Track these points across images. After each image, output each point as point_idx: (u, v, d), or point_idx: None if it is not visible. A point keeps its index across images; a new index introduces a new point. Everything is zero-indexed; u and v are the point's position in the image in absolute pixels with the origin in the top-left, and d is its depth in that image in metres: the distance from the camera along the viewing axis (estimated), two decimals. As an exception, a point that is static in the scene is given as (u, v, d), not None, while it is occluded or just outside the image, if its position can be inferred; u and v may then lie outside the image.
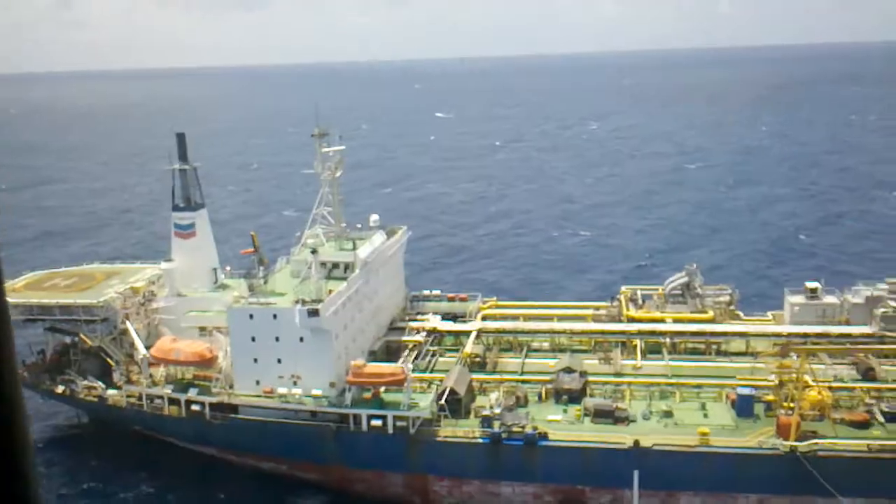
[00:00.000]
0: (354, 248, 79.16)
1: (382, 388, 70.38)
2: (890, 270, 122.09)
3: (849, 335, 78.01)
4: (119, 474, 74.89)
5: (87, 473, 75.39)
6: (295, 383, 70.24)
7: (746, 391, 68.65)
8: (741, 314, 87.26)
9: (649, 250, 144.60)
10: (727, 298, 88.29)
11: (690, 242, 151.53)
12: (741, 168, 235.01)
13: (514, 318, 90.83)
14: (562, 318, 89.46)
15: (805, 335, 79.21)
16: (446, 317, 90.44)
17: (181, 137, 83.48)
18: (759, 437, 63.77)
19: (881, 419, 65.66)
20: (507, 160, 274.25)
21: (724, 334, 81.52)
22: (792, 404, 65.77)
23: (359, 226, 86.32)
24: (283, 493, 71.60)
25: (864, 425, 65.22)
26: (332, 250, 79.42)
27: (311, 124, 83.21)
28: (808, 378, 66.29)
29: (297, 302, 68.77)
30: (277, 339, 70.07)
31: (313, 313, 67.11)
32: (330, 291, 71.32)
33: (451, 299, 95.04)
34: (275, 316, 69.83)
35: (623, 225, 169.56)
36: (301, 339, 69.56)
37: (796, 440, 62.21)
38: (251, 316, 70.50)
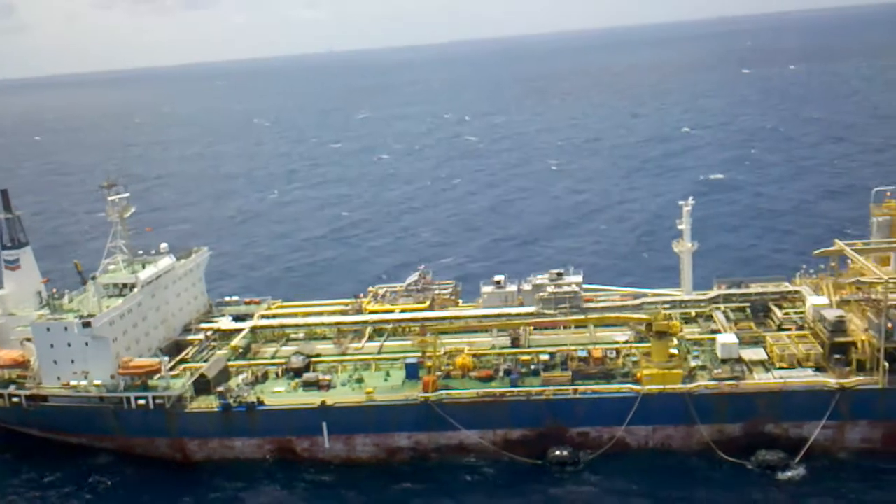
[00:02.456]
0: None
1: (156, 377, 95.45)
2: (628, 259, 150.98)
3: (519, 314, 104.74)
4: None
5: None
6: (85, 377, 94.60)
7: (412, 360, 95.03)
8: (460, 302, 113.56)
9: (434, 246, 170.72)
10: (450, 291, 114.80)
11: (469, 240, 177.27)
12: (568, 165, 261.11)
13: (294, 315, 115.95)
14: (332, 314, 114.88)
15: (492, 315, 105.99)
16: (238, 318, 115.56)
17: (4, 193, 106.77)
18: (408, 393, 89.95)
19: (502, 374, 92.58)
20: (386, 163, 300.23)
21: (430, 319, 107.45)
22: (444, 368, 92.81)
23: (153, 251, 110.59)
24: (86, 458, 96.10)
25: (488, 379, 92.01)
26: (123, 274, 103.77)
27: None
28: (439, 348, 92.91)
29: (77, 317, 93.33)
30: (69, 344, 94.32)
31: (87, 325, 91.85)
32: (108, 307, 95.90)
33: (248, 303, 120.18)
34: (65, 328, 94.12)
35: (424, 225, 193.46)
36: (86, 344, 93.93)
37: (432, 392, 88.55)
38: (48, 329, 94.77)
